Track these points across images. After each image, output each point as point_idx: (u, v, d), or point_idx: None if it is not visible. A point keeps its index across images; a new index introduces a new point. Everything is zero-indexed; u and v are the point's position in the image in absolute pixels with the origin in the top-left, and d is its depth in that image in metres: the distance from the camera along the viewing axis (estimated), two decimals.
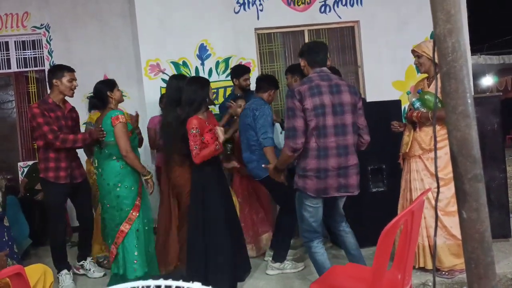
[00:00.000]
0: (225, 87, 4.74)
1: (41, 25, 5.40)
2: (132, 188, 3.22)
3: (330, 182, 2.55)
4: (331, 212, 2.79)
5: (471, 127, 1.18)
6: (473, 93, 4.42)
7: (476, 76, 12.22)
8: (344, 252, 2.86)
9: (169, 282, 0.91)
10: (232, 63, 4.86)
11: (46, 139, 3.28)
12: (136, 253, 3.17)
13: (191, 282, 0.95)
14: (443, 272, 3.02)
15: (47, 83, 3.52)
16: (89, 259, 3.70)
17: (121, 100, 3.41)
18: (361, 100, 2.71)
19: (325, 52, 2.74)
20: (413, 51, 3.13)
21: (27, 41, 5.50)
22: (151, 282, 0.90)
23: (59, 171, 3.38)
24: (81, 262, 3.69)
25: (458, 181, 1.20)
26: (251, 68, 4.74)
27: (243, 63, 4.77)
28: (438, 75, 1.26)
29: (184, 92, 3.15)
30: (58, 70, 3.44)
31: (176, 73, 4.74)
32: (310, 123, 2.53)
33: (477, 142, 1.20)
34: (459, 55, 1.16)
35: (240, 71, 4.17)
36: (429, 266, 3.02)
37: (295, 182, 2.67)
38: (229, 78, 4.49)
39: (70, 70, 3.45)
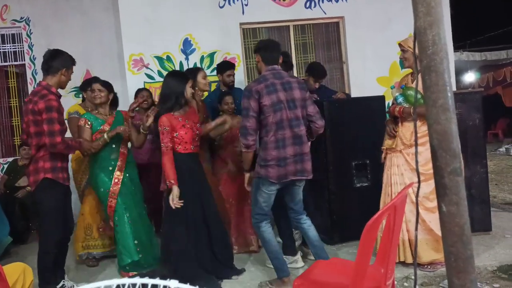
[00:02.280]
0: (209, 82, 4.69)
1: (21, 18, 5.27)
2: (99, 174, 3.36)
3: (289, 168, 2.81)
4: (291, 200, 2.98)
5: (451, 121, 1.18)
6: (454, 87, 4.44)
7: (459, 72, 12.38)
8: (308, 244, 3.06)
9: (145, 280, 0.89)
10: (217, 58, 4.82)
11: (53, 139, 2.81)
12: (128, 241, 3.28)
13: (168, 279, 0.93)
14: (425, 266, 3.06)
15: (47, 68, 2.98)
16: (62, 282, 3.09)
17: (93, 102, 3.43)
18: (308, 92, 2.98)
19: (279, 51, 3.00)
20: (399, 45, 3.15)
21: (6, 34, 5.37)
22: (127, 281, 0.88)
23: (64, 171, 3.02)
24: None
25: (438, 175, 1.20)
26: (236, 63, 4.71)
27: (228, 58, 4.74)
28: (420, 70, 1.26)
29: (162, 87, 3.11)
30: (70, 60, 3.05)
31: (160, 68, 4.69)
32: (269, 118, 2.78)
33: (457, 136, 1.20)
34: (440, 48, 1.15)
35: (224, 67, 4.12)
36: (409, 260, 3.05)
37: (256, 171, 2.89)
38: (214, 73, 4.45)
39: (75, 64, 3.13)
